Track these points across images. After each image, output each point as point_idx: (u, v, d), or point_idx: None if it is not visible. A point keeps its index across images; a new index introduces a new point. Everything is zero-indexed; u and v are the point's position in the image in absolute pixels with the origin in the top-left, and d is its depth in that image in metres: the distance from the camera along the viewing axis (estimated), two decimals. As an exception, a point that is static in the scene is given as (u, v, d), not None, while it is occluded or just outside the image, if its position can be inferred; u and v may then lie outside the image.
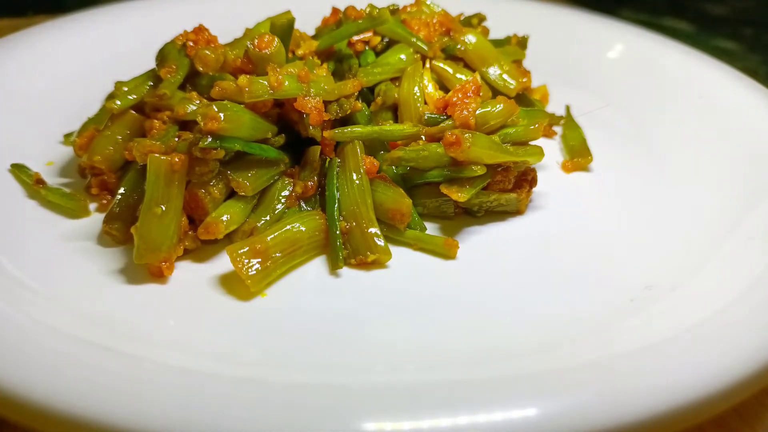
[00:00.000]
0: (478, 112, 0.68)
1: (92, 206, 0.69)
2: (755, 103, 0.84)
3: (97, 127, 0.72)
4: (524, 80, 0.82)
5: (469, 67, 0.81)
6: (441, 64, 0.78)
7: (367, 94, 0.76)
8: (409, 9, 0.86)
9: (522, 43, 0.90)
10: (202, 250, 0.64)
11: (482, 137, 0.66)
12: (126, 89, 0.70)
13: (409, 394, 0.47)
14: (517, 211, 0.72)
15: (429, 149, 0.66)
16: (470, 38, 0.80)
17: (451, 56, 0.81)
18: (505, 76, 0.81)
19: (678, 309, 0.57)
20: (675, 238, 0.68)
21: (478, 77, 0.74)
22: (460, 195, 0.65)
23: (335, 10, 0.87)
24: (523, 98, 0.84)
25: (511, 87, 0.80)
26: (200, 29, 0.72)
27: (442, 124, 0.68)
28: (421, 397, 0.46)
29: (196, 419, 0.43)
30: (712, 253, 0.64)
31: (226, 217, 0.63)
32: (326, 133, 0.69)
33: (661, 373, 0.47)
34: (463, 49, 0.80)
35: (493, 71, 0.81)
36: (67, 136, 0.79)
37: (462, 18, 0.88)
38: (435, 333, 0.56)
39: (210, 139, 0.61)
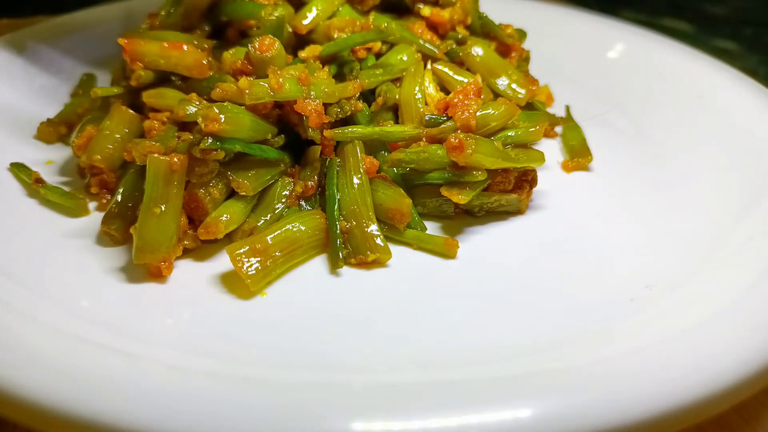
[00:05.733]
0: (478, 113, 0.68)
1: (92, 205, 0.69)
2: (755, 102, 0.84)
3: (96, 126, 0.72)
4: (533, 88, 0.82)
5: (470, 69, 0.81)
6: (442, 66, 0.78)
7: (368, 94, 0.75)
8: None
9: (525, 58, 0.90)
10: (201, 249, 0.64)
11: (485, 143, 0.66)
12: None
13: (409, 393, 0.47)
14: (517, 211, 0.72)
15: (429, 151, 0.66)
16: (477, 50, 0.80)
17: (454, 59, 0.81)
18: (513, 85, 0.80)
19: (678, 309, 0.57)
20: (675, 237, 0.67)
21: (479, 79, 0.74)
22: (460, 197, 0.65)
23: None
24: (529, 102, 0.83)
25: (521, 96, 0.80)
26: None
27: (442, 126, 0.68)
28: (422, 396, 0.46)
29: (195, 418, 0.43)
30: (712, 253, 0.64)
31: (225, 216, 0.63)
32: (326, 133, 0.68)
33: (661, 373, 0.47)
34: (466, 55, 0.80)
35: (502, 82, 0.80)
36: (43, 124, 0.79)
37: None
38: (435, 332, 0.56)
39: (210, 140, 0.61)
